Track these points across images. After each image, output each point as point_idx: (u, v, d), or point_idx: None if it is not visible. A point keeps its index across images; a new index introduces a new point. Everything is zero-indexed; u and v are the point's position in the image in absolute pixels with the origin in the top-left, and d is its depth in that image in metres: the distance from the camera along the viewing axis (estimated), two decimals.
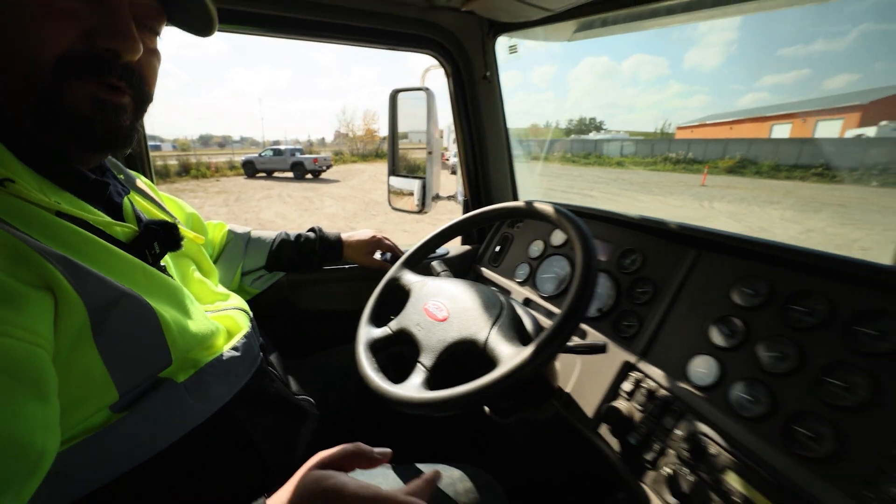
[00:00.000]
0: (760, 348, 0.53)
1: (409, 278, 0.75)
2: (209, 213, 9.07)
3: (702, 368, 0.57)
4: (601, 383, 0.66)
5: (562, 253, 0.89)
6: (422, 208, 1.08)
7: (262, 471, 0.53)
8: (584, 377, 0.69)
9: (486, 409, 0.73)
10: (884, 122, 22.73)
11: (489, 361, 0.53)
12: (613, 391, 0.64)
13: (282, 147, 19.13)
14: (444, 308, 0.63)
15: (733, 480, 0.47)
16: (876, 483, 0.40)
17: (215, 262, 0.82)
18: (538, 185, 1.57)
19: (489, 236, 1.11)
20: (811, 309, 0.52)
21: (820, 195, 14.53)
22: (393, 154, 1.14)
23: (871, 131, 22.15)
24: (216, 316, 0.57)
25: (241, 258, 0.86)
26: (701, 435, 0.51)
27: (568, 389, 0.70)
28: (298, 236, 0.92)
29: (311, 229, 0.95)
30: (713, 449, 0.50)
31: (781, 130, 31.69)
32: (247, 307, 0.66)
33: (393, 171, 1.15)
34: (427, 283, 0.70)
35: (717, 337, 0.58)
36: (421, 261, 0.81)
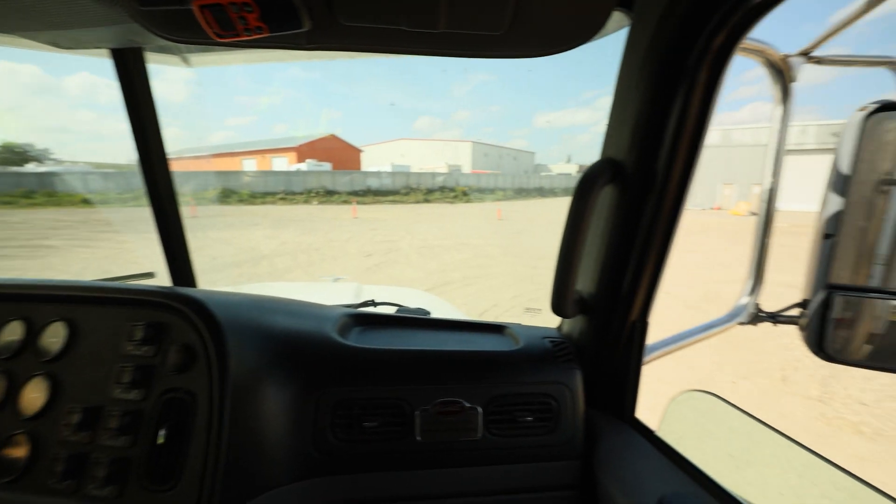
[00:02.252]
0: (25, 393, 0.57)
1: None
2: None
3: None
4: None
5: None
6: None
7: None
8: None
9: None
10: (309, 160, 32.44)
11: None
12: None
13: None
14: None
15: None
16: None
17: None
18: None
19: None
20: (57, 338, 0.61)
21: (286, 214, 18.67)
22: None
23: (304, 166, 30.99)
24: None
25: None
26: None
27: None
28: None
29: None
30: None
31: (249, 164, 37.92)
32: None
33: None
34: None
35: None
36: None
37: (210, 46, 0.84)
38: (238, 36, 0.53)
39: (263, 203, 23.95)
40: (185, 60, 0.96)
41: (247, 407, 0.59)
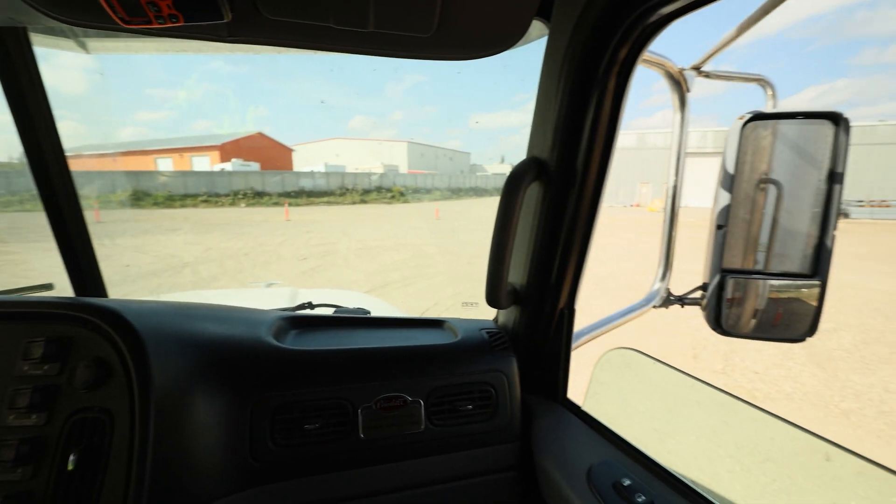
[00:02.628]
0: None
1: None
2: None
3: None
4: None
5: None
6: None
7: None
8: None
9: None
10: (235, 159, 30.19)
11: None
12: None
13: None
14: None
15: None
16: None
17: None
18: None
19: None
20: None
21: (210, 218, 17.27)
22: None
23: (228, 165, 28.80)
24: None
25: None
26: None
27: None
28: None
29: None
30: None
31: (165, 163, 34.43)
32: None
33: None
34: None
35: None
36: None
37: (114, 32, 0.77)
38: (149, 24, 0.48)
39: (183, 206, 21.93)
40: (82, 46, 0.85)
41: (174, 421, 0.56)
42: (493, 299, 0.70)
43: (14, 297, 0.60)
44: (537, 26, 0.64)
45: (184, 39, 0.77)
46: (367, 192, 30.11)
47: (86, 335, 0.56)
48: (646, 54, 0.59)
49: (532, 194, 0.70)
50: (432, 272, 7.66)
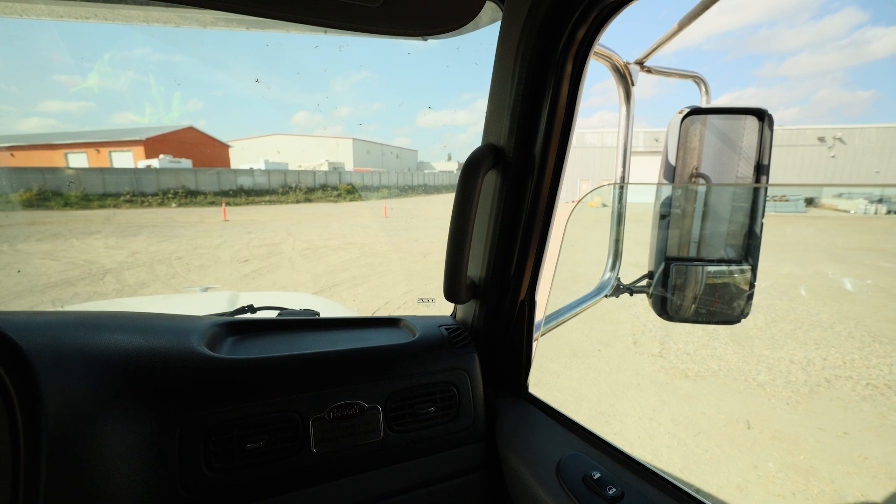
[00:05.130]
0: None
1: None
2: None
3: None
4: None
5: None
6: None
7: None
8: None
9: None
10: (163, 155, 27.73)
11: None
12: None
13: None
14: None
15: None
16: None
17: None
18: None
19: None
20: None
21: (136, 219, 15.77)
22: None
23: (155, 162, 26.38)
24: None
25: None
26: None
27: None
28: None
29: None
30: None
31: (78, 159, 30.84)
32: None
33: None
34: None
35: None
36: None
37: None
38: None
39: (102, 207, 19.81)
40: None
41: (75, 456, 0.46)
42: (452, 293, 0.67)
43: None
44: (489, 9, 0.62)
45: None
46: (311, 190, 28.98)
47: None
48: (597, 47, 0.59)
49: (489, 183, 0.69)
50: (383, 270, 7.54)
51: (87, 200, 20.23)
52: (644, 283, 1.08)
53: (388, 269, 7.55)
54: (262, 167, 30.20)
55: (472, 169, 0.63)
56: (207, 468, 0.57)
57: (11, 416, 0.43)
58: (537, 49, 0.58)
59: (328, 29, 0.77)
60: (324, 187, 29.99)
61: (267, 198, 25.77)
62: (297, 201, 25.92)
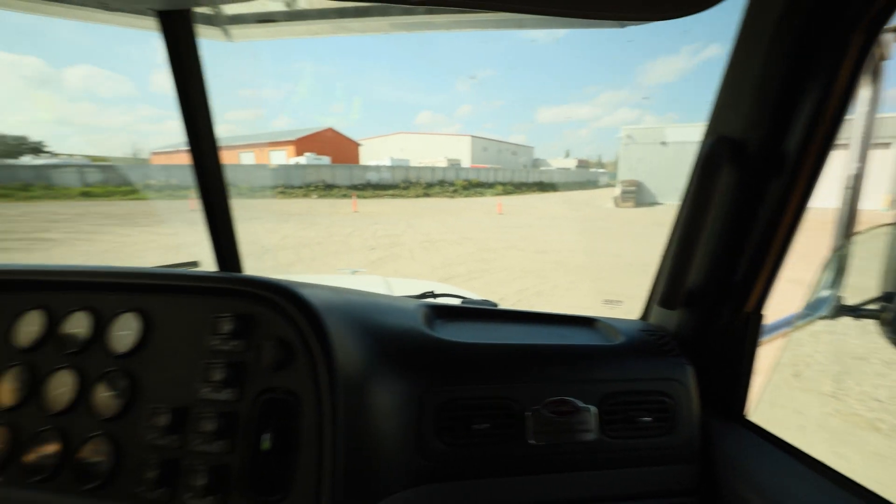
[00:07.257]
0: (49, 389, 0.52)
1: None
2: None
3: None
4: None
5: None
6: None
7: None
8: None
9: None
10: (308, 153, 32.14)
11: None
12: None
13: None
14: None
15: None
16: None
17: None
18: None
19: None
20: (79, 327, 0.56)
21: (286, 208, 18.55)
22: None
23: (303, 159, 30.74)
24: None
25: None
26: None
27: None
28: None
29: None
30: None
31: (247, 158, 37.58)
32: None
33: None
34: None
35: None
36: None
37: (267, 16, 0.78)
38: None
39: (263, 197, 23.78)
40: (227, 34, 0.89)
41: (357, 408, 0.53)
42: (669, 298, 0.61)
43: (198, 272, 0.63)
44: None
45: (329, 20, 0.76)
46: (430, 185, 30.55)
47: (266, 314, 0.55)
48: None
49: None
50: (497, 266, 7.57)
51: (253, 192, 24.55)
52: (877, 305, 0.86)
53: (502, 266, 7.55)
54: (388, 164, 32.85)
55: (710, 165, 0.56)
56: (439, 440, 0.61)
57: (313, 367, 0.52)
58: (811, 21, 0.48)
59: (522, 15, 0.76)
60: (441, 183, 31.38)
61: (390, 192, 27.97)
62: (417, 196, 27.57)
